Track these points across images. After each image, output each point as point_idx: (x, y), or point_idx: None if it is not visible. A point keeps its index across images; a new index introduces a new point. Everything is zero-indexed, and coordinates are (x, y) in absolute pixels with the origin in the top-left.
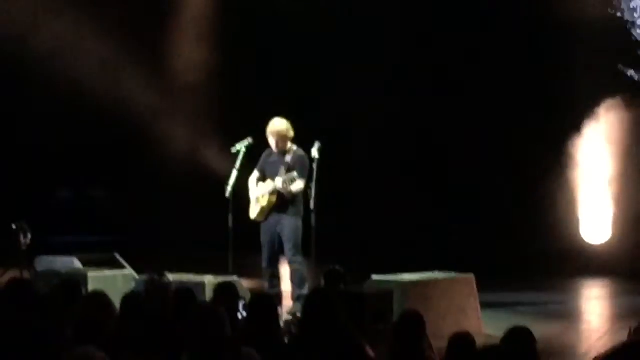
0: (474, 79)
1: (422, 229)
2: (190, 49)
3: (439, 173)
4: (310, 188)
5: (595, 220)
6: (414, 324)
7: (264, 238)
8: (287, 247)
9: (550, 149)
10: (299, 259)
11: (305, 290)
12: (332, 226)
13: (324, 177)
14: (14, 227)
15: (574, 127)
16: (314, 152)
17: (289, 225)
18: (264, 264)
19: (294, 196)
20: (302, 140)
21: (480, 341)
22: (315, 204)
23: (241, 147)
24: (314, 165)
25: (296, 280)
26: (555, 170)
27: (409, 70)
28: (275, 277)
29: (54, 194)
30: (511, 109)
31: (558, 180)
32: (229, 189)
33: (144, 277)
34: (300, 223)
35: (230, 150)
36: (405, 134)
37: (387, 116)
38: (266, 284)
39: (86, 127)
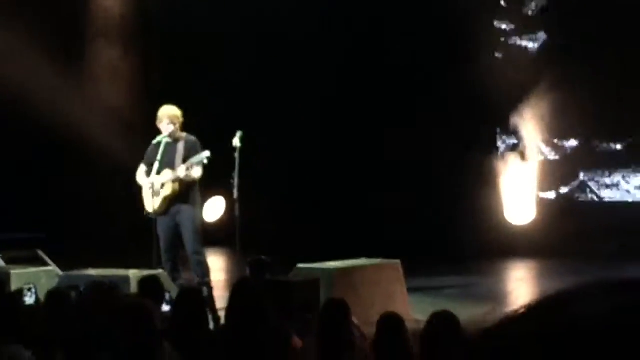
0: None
1: (348, 216)
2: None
3: (364, 158)
4: (233, 177)
5: (519, 201)
6: (338, 311)
7: (162, 229)
8: (187, 237)
9: (473, 130)
10: (200, 249)
11: (207, 280)
12: (256, 215)
13: (247, 165)
14: None
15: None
16: (236, 141)
17: (188, 215)
18: (164, 257)
19: (192, 184)
20: (223, 129)
21: (408, 326)
22: (239, 193)
23: (162, 139)
24: (236, 154)
25: (199, 272)
26: (479, 152)
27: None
28: (177, 270)
29: None
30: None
31: (482, 162)
32: (140, 180)
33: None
34: (199, 212)
35: (148, 144)
36: (334, 117)
37: (314, 100)
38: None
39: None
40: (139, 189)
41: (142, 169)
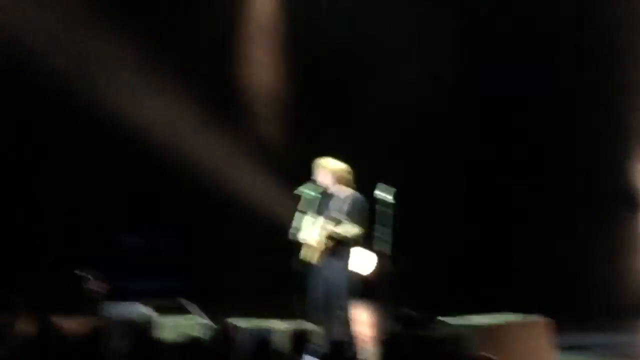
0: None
1: (492, 269)
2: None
3: (505, 213)
4: (384, 232)
5: None
6: None
7: (312, 281)
8: (334, 293)
9: (622, 186)
10: (346, 305)
11: (349, 333)
12: (405, 270)
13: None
14: (82, 274)
15: None
16: (389, 197)
17: (338, 269)
18: (312, 309)
19: (346, 240)
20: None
21: None
22: (391, 248)
23: (305, 189)
24: (389, 210)
25: (340, 326)
26: (624, 205)
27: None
28: (324, 322)
29: (120, 240)
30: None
31: (629, 216)
32: (292, 231)
33: (211, 323)
34: (350, 267)
35: (293, 193)
36: (470, 178)
37: (451, 159)
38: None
39: (149, 173)
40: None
41: (309, 217)
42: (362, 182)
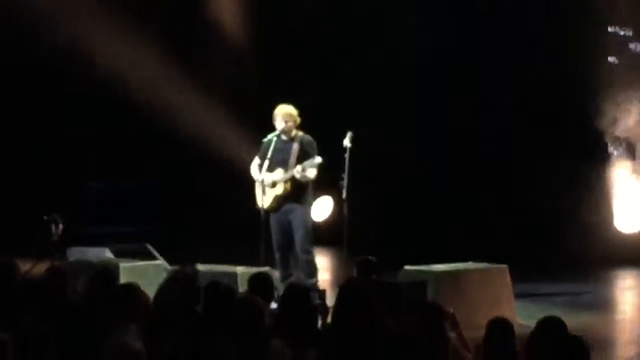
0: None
1: (455, 219)
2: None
3: (471, 162)
4: (342, 178)
5: (629, 209)
6: (436, 316)
7: (274, 226)
8: (298, 236)
9: (584, 137)
10: (310, 248)
11: (314, 281)
12: (364, 216)
13: (355, 166)
14: (45, 218)
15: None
16: (347, 142)
17: (300, 214)
18: (277, 254)
19: (305, 184)
20: (333, 129)
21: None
22: (347, 193)
23: (273, 137)
24: (346, 155)
25: (306, 271)
26: (589, 160)
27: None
28: (288, 267)
29: (86, 185)
30: (545, 98)
31: (592, 169)
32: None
33: (172, 268)
34: (310, 211)
35: (261, 141)
36: (437, 122)
37: (421, 104)
38: (279, 274)
39: (118, 118)
40: (251, 182)
41: (255, 162)
42: (324, 129)
